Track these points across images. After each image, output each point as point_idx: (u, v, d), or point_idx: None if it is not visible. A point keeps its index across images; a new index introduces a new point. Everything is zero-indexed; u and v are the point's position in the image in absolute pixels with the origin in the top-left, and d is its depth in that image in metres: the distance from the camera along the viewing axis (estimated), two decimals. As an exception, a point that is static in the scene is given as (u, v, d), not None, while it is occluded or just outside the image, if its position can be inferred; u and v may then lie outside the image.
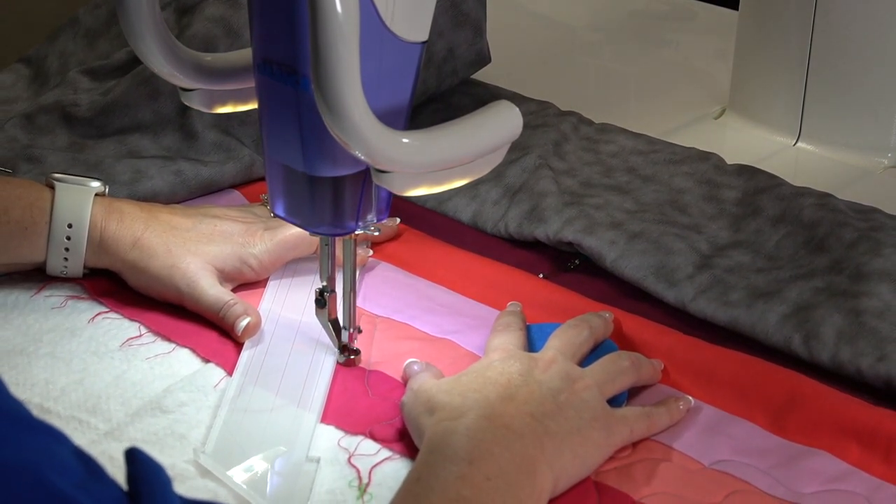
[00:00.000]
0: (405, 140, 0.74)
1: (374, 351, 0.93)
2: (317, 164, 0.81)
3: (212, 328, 0.95)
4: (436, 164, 0.76)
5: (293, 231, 0.98)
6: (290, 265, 1.01)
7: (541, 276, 1.02)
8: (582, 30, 1.58)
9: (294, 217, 0.85)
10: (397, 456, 0.83)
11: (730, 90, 1.32)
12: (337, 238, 0.88)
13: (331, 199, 0.83)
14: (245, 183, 1.14)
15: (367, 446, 0.84)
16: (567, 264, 1.04)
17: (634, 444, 0.84)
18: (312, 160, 0.81)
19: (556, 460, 0.79)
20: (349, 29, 0.69)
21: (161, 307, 0.96)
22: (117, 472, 0.55)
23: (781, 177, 1.11)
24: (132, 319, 0.96)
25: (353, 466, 0.82)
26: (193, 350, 0.93)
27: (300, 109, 0.78)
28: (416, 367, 0.87)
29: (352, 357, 0.92)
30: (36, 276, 0.99)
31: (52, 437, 0.52)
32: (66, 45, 1.31)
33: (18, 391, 0.88)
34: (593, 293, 0.99)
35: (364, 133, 0.71)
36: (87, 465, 0.53)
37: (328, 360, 0.92)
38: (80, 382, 0.89)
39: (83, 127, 1.17)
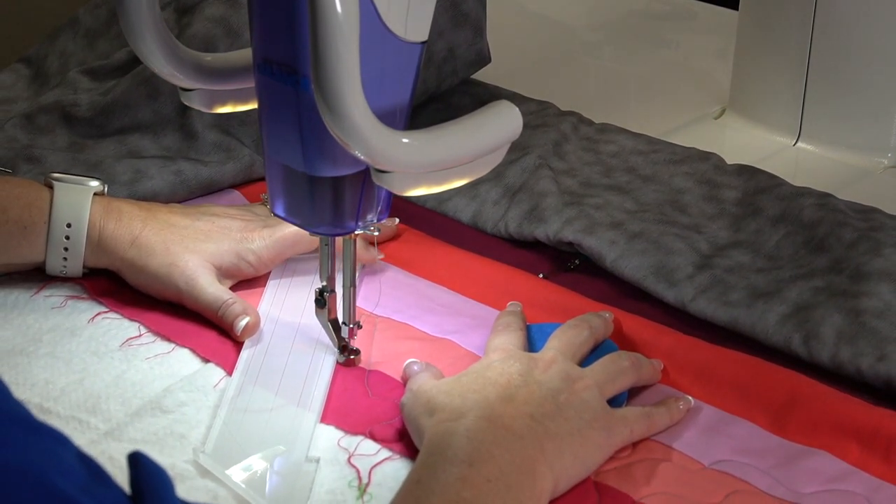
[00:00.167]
0: (405, 140, 0.74)
1: (373, 351, 0.93)
2: (317, 164, 0.81)
3: (211, 328, 0.95)
4: (436, 164, 0.76)
5: (293, 228, 0.98)
6: (289, 265, 1.01)
7: (541, 276, 1.02)
8: (582, 30, 1.58)
9: (294, 217, 0.85)
10: (397, 456, 0.83)
11: (730, 90, 1.32)
12: (337, 238, 0.88)
13: (331, 199, 0.83)
14: (245, 183, 1.14)
15: (367, 446, 0.84)
16: (567, 264, 1.04)
17: (634, 444, 0.84)
18: (312, 160, 0.81)
19: (557, 461, 0.79)
20: (349, 29, 0.69)
21: (161, 307, 0.96)
22: (117, 472, 0.55)
23: (781, 177, 1.11)
24: (132, 319, 0.96)
25: (353, 466, 0.82)
26: (193, 350, 0.93)
27: (300, 109, 0.78)
28: (415, 368, 0.87)
29: (352, 357, 0.92)
30: (36, 276, 0.99)
31: (55, 440, 0.52)
32: (66, 45, 1.31)
33: (18, 391, 0.88)
34: (593, 293, 0.99)
35: (364, 133, 0.71)
36: (90, 468, 0.53)
37: (328, 361, 0.92)
38: (79, 382, 0.89)
39: (83, 127, 1.17)
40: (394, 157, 0.73)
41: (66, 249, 0.96)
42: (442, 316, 0.97)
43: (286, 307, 0.97)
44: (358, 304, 0.93)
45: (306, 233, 0.96)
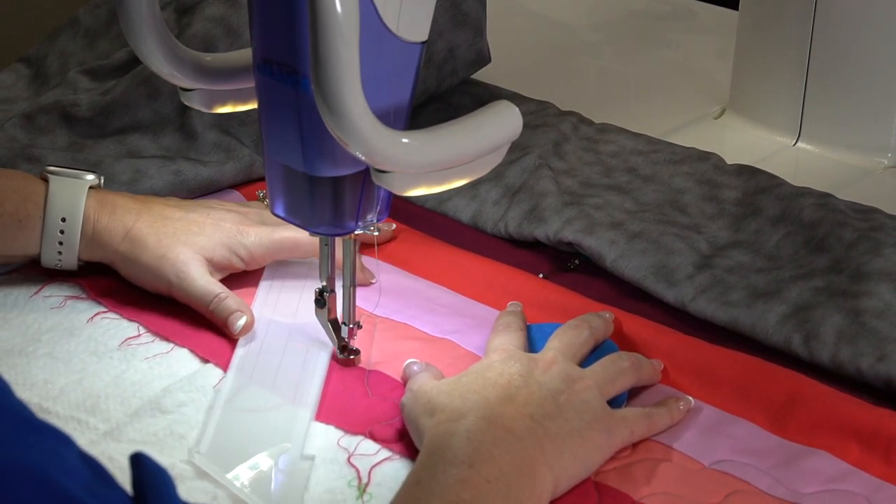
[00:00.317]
0: (405, 140, 0.74)
1: (373, 351, 0.93)
2: (317, 164, 0.81)
3: (210, 328, 0.95)
4: (436, 164, 0.76)
5: (291, 235, 0.98)
6: (282, 266, 1.01)
7: (541, 276, 1.02)
8: (582, 30, 1.58)
9: (294, 217, 0.85)
10: (397, 456, 0.83)
11: (730, 90, 1.32)
12: (337, 238, 0.88)
13: (331, 199, 0.83)
14: (245, 183, 1.14)
15: (367, 446, 0.84)
16: (567, 264, 1.04)
17: (634, 445, 0.84)
18: (312, 160, 0.81)
19: (557, 462, 0.79)
20: (349, 29, 0.69)
21: (160, 307, 0.96)
22: (117, 472, 0.55)
23: (781, 177, 1.11)
24: (131, 319, 0.96)
25: (353, 466, 0.82)
26: (192, 350, 0.93)
27: (300, 109, 0.78)
28: (415, 368, 0.87)
29: (351, 357, 0.92)
30: (36, 276, 0.99)
31: (58, 440, 0.52)
32: (66, 45, 1.31)
33: (17, 391, 0.87)
34: (593, 293, 0.99)
35: (364, 133, 0.71)
36: (93, 468, 0.53)
37: (322, 358, 0.92)
38: (79, 382, 0.89)
39: (83, 127, 1.17)
40: (394, 157, 0.73)
41: (60, 244, 0.96)
42: (442, 316, 0.97)
43: (279, 306, 0.97)
44: (358, 304, 0.93)
45: (304, 240, 0.97)
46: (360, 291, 0.94)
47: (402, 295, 0.99)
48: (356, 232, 0.86)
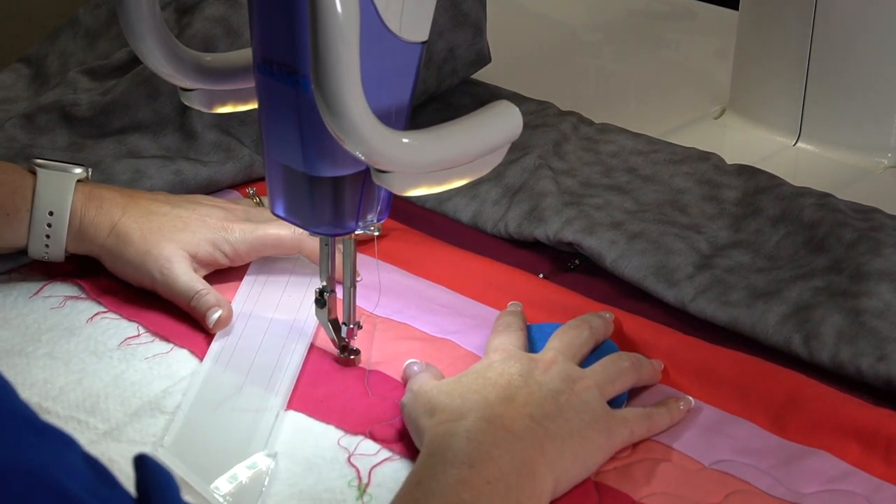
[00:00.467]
0: (405, 140, 0.74)
1: (374, 351, 0.93)
2: (317, 164, 0.81)
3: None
4: (436, 164, 0.76)
5: (275, 232, 0.98)
6: (267, 262, 1.01)
7: (541, 276, 1.02)
8: (582, 30, 1.58)
9: (294, 217, 0.85)
10: (397, 456, 0.83)
11: (730, 90, 1.32)
12: (337, 238, 0.88)
13: (331, 199, 0.83)
14: (245, 183, 1.13)
15: (367, 446, 0.84)
16: (567, 264, 1.04)
17: (634, 445, 0.84)
18: (312, 160, 0.81)
19: (557, 462, 0.78)
20: (349, 29, 0.69)
21: (160, 307, 0.96)
22: (116, 473, 0.55)
23: (781, 177, 1.11)
24: (130, 319, 0.96)
25: (353, 466, 0.82)
26: (192, 350, 0.93)
27: (300, 109, 0.78)
28: (416, 368, 0.87)
29: (352, 357, 0.92)
30: (36, 277, 1.00)
31: (61, 441, 0.52)
32: (66, 45, 1.31)
33: (17, 391, 0.88)
34: (593, 293, 0.99)
35: (364, 133, 0.71)
36: (96, 470, 0.53)
37: (297, 351, 0.92)
38: (78, 382, 0.89)
39: (83, 127, 1.17)
40: (394, 157, 0.73)
41: (48, 237, 0.96)
42: (442, 316, 0.97)
43: (261, 301, 0.97)
44: (358, 304, 0.93)
45: (287, 237, 0.97)
46: (360, 291, 0.94)
47: (403, 295, 0.99)
48: (356, 231, 0.86)
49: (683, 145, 1.18)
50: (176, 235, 0.96)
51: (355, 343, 0.92)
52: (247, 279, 1.00)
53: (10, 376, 0.89)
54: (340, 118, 0.70)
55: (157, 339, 0.94)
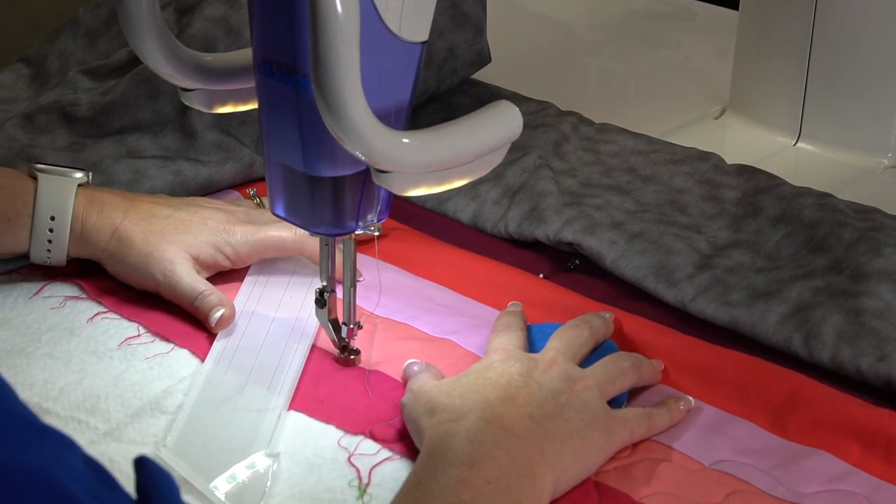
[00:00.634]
0: (405, 140, 0.73)
1: (374, 351, 0.93)
2: (317, 164, 0.81)
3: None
4: (436, 164, 0.76)
5: (276, 234, 0.98)
6: (268, 263, 1.01)
7: (541, 276, 1.02)
8: (582, 30, 1.58)
9: (294, 217, 0.85)
10: (397, 456, 0.83)
11: (730, 90, 1.32)
12: (337, 238, 0.88)
13: (331, 199, 0.83)
14: (245, 183, 1.13)
15: (367, 446, 0.84)
16: (567, 264, 1.04)
17: (634, 445, 0.84)
18: (312, 160, 0.81)
19: (557, 462, 0.78)
20: (349, 29, 0.69)
21: (160, 307, 0.96)
22: (116, 473, 0.55)
23: (781, 177, 1.11)
24: (131, 319, 0.96)
25: (353, 466, 0.82)
26: (192, 351, 0.93)
27: (300, 109, 0.78)
28: (416, 368, 0.87)
29: (352, 357, 0.92)
30: (36, 277, 0.99)
31: (61, 443, 0.52)
32: (66, 44, 1.31)
33: (17, 391, 0.88)
34: (593, 293, 0.99)
35: (364, 133, 0.71)
36: (96, 471, 0.53)
37: (300, 351, 0.92)
38: (79, 382, 0.89)
39: (83, 127, 1.17)
40: (394, 157, 0.73)
41: (49, 242, 0.96)
42: (442, 316, 0.97)
43: (262, 301, 0.97)
44: (358, 304, 0.93)
45: (289, 239, 0.97)
46: (360, 291, 0.94)
47: (403, 295, 0.99)
48: (357, 231, 0.86)
49: (683, 145, 1.18)
50: (178, 237, 0.96)
51: (355, 343, 0.92)
52: (248, 279, 1.00)
53: (11, 377, 0.89)
54: (340, 118, 0.70)
55: (157, 339, 0.94)
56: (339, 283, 0.90)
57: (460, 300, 0.99)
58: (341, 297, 0.90)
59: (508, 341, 0.89)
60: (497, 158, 0.80)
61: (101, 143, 1.15)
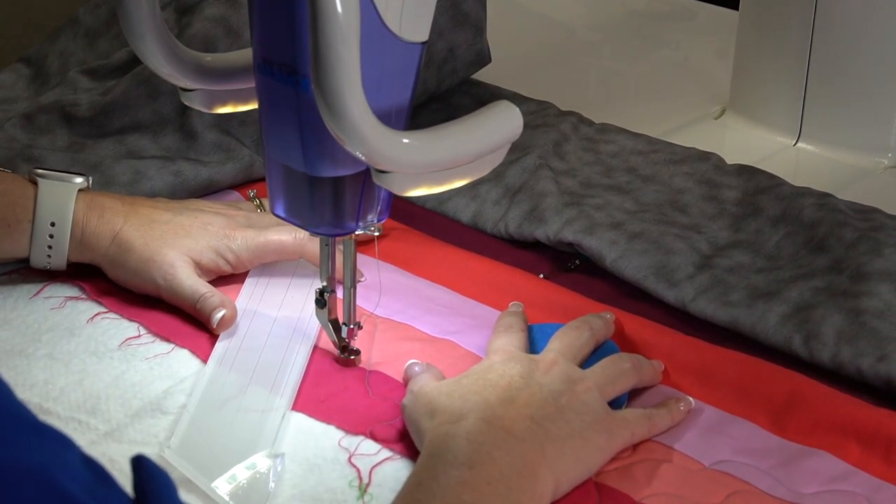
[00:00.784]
0: (405, 140, 0.73)
1: (374, 351, 0.93)
2: (317, 164, 0.81)
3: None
4: (436, 165, 0.76)
5: (277, 238, 0.98)
6: (268, 263, 1.01)
7: (541, 276, 1.02)
8: (582, 30, 1.58)
9: (294, 217, 0.85)
10: (398, 456, 0.83)
11: (730, 90, 1.32)
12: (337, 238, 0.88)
13: (331, 200, 0.83)
14: (245, 183, 1.13)
15: (368, 446, 0.84)
16: (567, 264, 1.04)
17: (635, 445, 0.84)
18: (312, 160, 0.80)
19: (557, 464, 0.78)
20: (349, 29, 0.69)
21: (160, 307, 0.96)
22: (117, 473, 0.55)
23: (781, 177, 1.11)
24: (131, 319, 0.96)
25: (354, 466, 0.82)
26: (193, 351, 0.93)
27: (300, 109, 0.78)
28: (416, 369, 0.87)
29: (352, 357, 0.92)
30: (36, 277, 0.99)
31: (59, 442, 0.52)
32: (66, 45, 1.31)
33: (18, 392, 0.87)
34: (593, 293, 0.99)
35: (364, 133, 0.71)
36: (94, 471, 0.53)
37: (302, 352, 0.92)
38: (79, 383, 0.89)
39: (83, 127, 1.17)
40: (394, 157, 0.73)
41: (49, 247, 0.96)
42: (442, 316, 0.97)
43: (264, 302, 0.97)
44: (358, 304, 0.93)
45: (290, 243, 0.97)
46: (360, 292, 0.94)
47: (403, 295, 0.99)
48: (357, 232, 0.86)
49: (683, 145, 1.18)
50: (178, 242, 0.96)
51: (356, 343, 0.92)
52: (249, 280, 1.00)
53: (11, 377, 0.89)
54: (340, 118, 0.70)
55: (157, 340, 0.94)
56: (340, 283, 0.90)
57: (460, 300, 0.99)
58: (341, 298, 0.90)
59: (509, 342, 0.89)
60: (497, 158, 0.80)
61: (101, 144, 1.15)
